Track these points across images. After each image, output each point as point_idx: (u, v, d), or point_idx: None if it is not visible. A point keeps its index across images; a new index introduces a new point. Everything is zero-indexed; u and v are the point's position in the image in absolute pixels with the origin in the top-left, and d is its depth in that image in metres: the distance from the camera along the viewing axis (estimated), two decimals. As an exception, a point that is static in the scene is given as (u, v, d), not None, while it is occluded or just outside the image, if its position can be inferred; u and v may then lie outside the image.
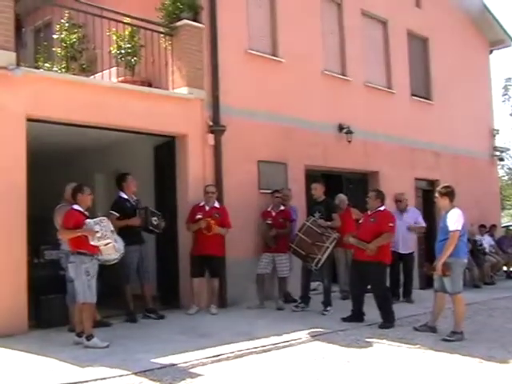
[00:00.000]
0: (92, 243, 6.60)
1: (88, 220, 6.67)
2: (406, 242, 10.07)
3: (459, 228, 7.36)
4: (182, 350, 6.40)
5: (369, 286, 8.41)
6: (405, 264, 10.33)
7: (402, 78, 14.16)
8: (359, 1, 13.14)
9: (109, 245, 6.72)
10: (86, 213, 6.90)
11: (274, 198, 9.87)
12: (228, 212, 9.28)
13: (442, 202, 7.71)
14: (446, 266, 7.32)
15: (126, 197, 8.58)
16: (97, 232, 6.57)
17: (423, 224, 10.57)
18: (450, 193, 7.67)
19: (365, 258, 8.09)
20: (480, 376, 5.75)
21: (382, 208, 8.37)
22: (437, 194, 7.80)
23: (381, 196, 8.48)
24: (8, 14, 7.53)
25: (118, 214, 8.26)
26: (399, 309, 9.05)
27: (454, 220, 7.40)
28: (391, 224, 8.22)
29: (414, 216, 10.46)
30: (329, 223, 9.06)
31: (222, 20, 9.99)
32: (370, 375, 5.77)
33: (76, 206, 6.88)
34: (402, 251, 9.83)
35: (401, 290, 10.36)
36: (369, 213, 8.45)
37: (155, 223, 8.52)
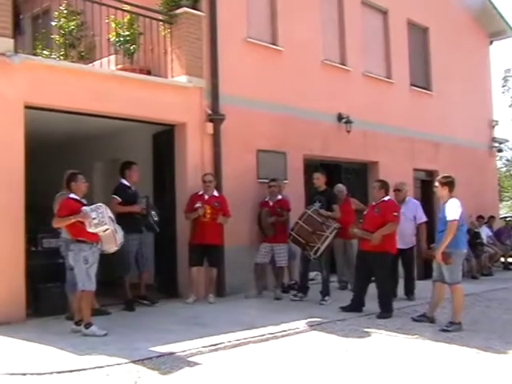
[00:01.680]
0: (89, 230, 6.56)
1: (84, 207, 6.63)
2: (405, 237, 9.26)
3: (457, 218, 7.35)
4: (180, 339, 6.40)
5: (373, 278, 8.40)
6: (404, 260, 9.67)
7: (402, 68, 14.11)
8: (359, -10, 13.08)
9: (107, 231, 6.68)
10: (82, 200, 6.86)
11: (268, 187, 9.86)
12: (227, 201, 9.26)
13: (441, 191, 7.70)
14: (445, 255, 7.31)
15: (127, 184, 8.60)
16: (93, 219, 6.53)
17: (424, 218, 9.74)
18: (450, 183, 7.65)
19: (370, 248, 8.08)
20: (477, 366, 5.76)
21: (386, 198, 8.36)
22: (437, 183, 7.78)
23: (385, 186, 8.45)
24: (6, 1, 7.47)
25: (120, 199, 8.28)
26: (398, 299, 9.09)
27: (453, 210, 7.38)
28: (395, 213, 8.21)
29: (414, 209, 9.67)
30: (329, 213, 9.05)
31: (222, 8, 9.93)
32: (369, 365, 5.78)
33: (72, 195, 6.86)
34: (400, 246, 8.98)
35: (401, 288, 9.73)
36: (373, 203, 8.44)
37: (155, 219, 8.51)
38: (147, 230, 8.67)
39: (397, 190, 9.65)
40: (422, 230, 9.72)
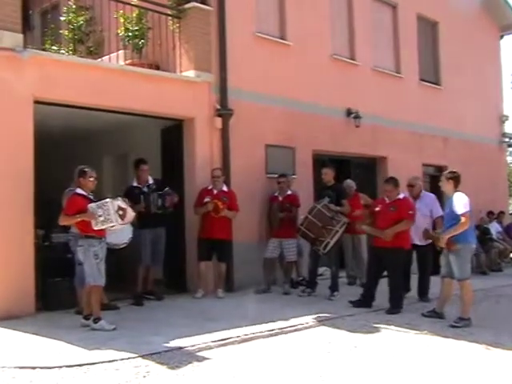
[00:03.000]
0: (95, 228, 6.57)
1: (90, 205, 6.63)
2: (421, 233, 8.68)
3: (468, 209, 7.30)
4: (189, 334, 6.41)
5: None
6: (420, 257, 9.18)
7: (411, 62, 14.03)
8: (369, -16, 13.01)
9: (113, 228, 6.70)
10: (90, 196, 6.86)
11: (277, 183, 9.84)
12: (236, 196, 9.25)
13: (446, 185, 7.67)
14: (451, 242, 7.29)
15: (135, 185, 8.69)
16: (99, 216, 6.54)
17: (440, 212, 8.91)
18: (455, 178, 7.63)
19: (384, 244, 8.05)
20: (487, 362, 5.73)
21: (401, 196, 8.30)
22: (442, 178, 7.76)
23: (398, 185, 8.33)
24: (15, -4, 7.48)
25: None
26: (409, 296, 9.04)
27: (462, 203, 7.33)
28: (411, 212, 8.18)
29: (430, 204, 9.10)
30: (339, 208, 9.02)
31: (230, 3, 9.90)
32: (377, 360, 5.76)
33: (79, 190, 6.86)
34: (416, 242, 8.76)
35: (415, 286, 9.30)
36: (387, 201, 8.30)
37: (159, 204, 8.52)
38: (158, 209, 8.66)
39: (410, 186, 9.25)
40: (438, 225, 8.80)
